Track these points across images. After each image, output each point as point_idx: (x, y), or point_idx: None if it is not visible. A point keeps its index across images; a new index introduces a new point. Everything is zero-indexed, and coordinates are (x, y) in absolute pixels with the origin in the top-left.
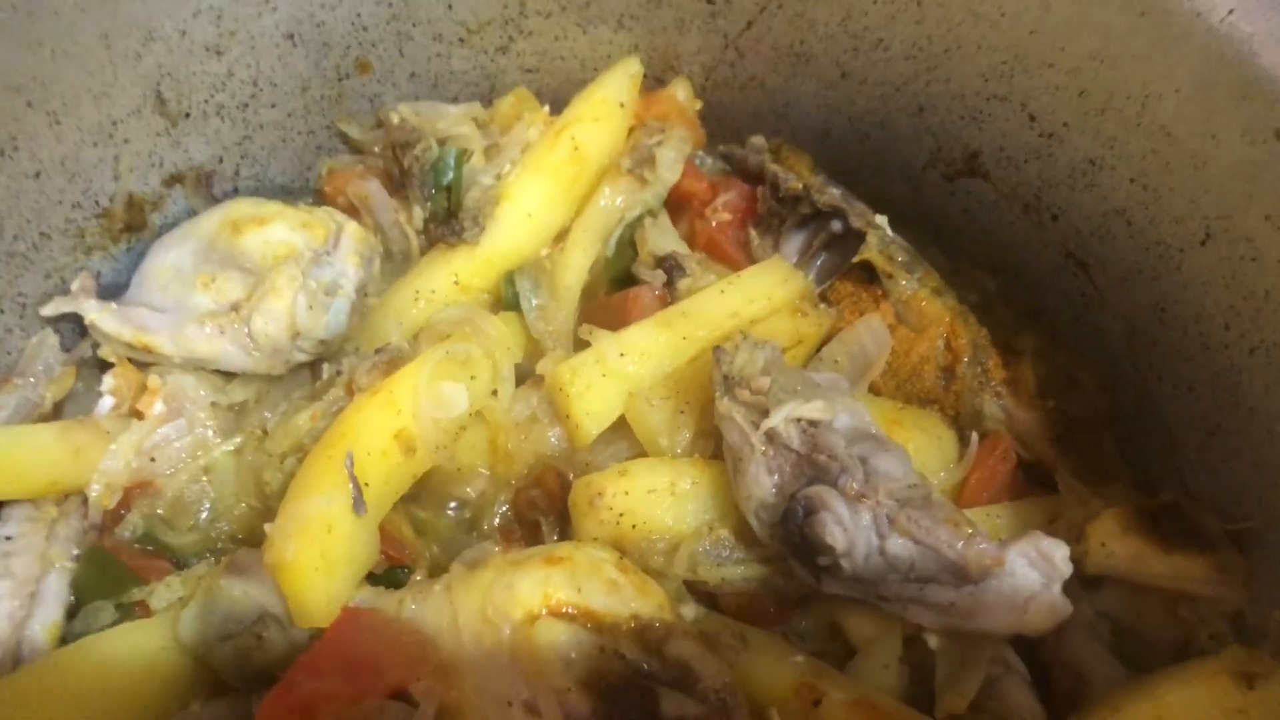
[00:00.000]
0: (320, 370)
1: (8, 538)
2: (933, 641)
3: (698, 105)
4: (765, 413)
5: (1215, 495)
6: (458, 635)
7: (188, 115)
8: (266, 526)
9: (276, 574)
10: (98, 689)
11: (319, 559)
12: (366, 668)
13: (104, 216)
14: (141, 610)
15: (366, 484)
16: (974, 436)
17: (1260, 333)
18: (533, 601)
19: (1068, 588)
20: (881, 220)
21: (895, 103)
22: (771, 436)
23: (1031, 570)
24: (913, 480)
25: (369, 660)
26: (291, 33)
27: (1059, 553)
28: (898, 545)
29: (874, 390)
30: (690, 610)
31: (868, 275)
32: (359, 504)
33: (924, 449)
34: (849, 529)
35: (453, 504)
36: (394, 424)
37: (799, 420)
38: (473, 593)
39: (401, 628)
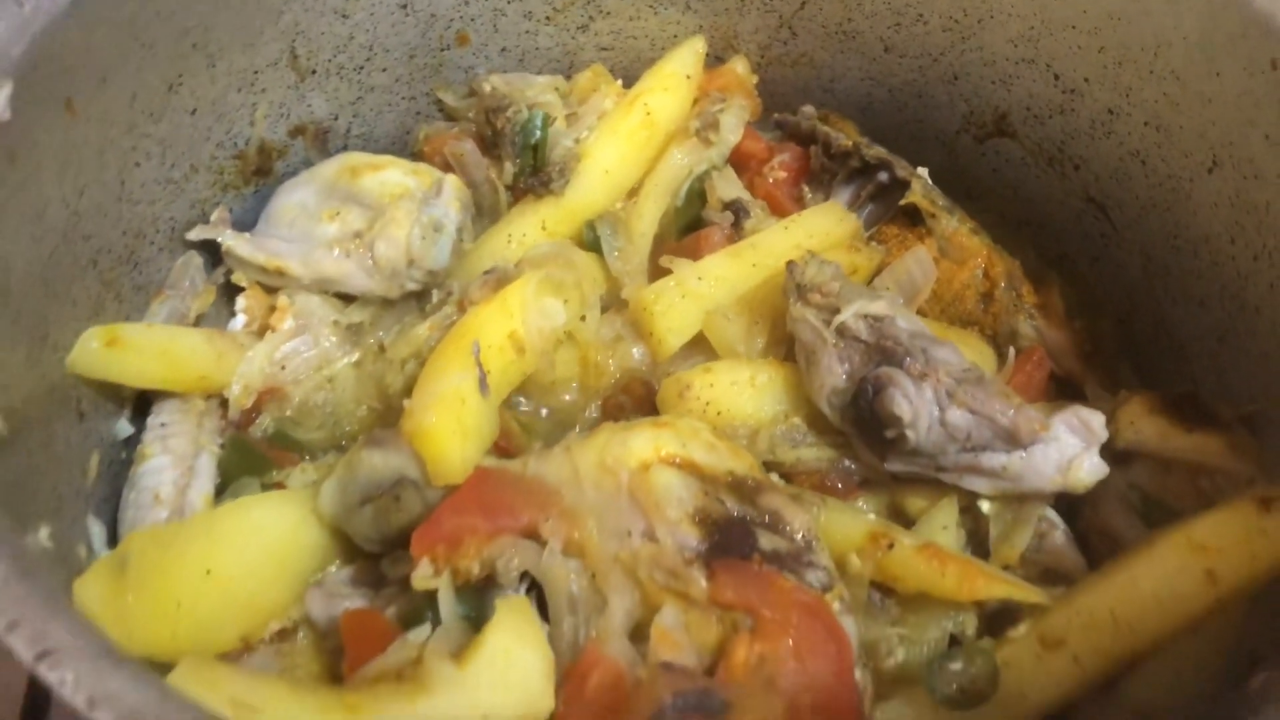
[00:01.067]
0: (426, 299)
1: (163, 424)
2: (985, 506)
3: (754, 79)
4: (835, 312)
5: (1226, 395)
6: (579, 484)
7: (314, 72)
8: (405, 402)
9: (416, 440)
10: (250, 543)
11: (455, 424)
12: (502, 508)
13: (239, 159)
14: (280, 489)
15: (489, 371)
16: (1010, 351)
17: (1262, 239)
18: (645, 452)
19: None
20: (923, 171)
21: (932, 73)
22: (842, 331)
23: (1073, 435)
24: (966, 365)
25: (505, 503)
26: (405, 3)
27: (1096, 420)
28: (956, 416)
29: (920, 314)
30: (776, 480)
31: (910, 220)
32: (484, 385)
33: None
34: (914, 401)
35: (545, 409)
36: (508, 326)
37: (866, 316)
38: (590, 450)
39: (528, 481)
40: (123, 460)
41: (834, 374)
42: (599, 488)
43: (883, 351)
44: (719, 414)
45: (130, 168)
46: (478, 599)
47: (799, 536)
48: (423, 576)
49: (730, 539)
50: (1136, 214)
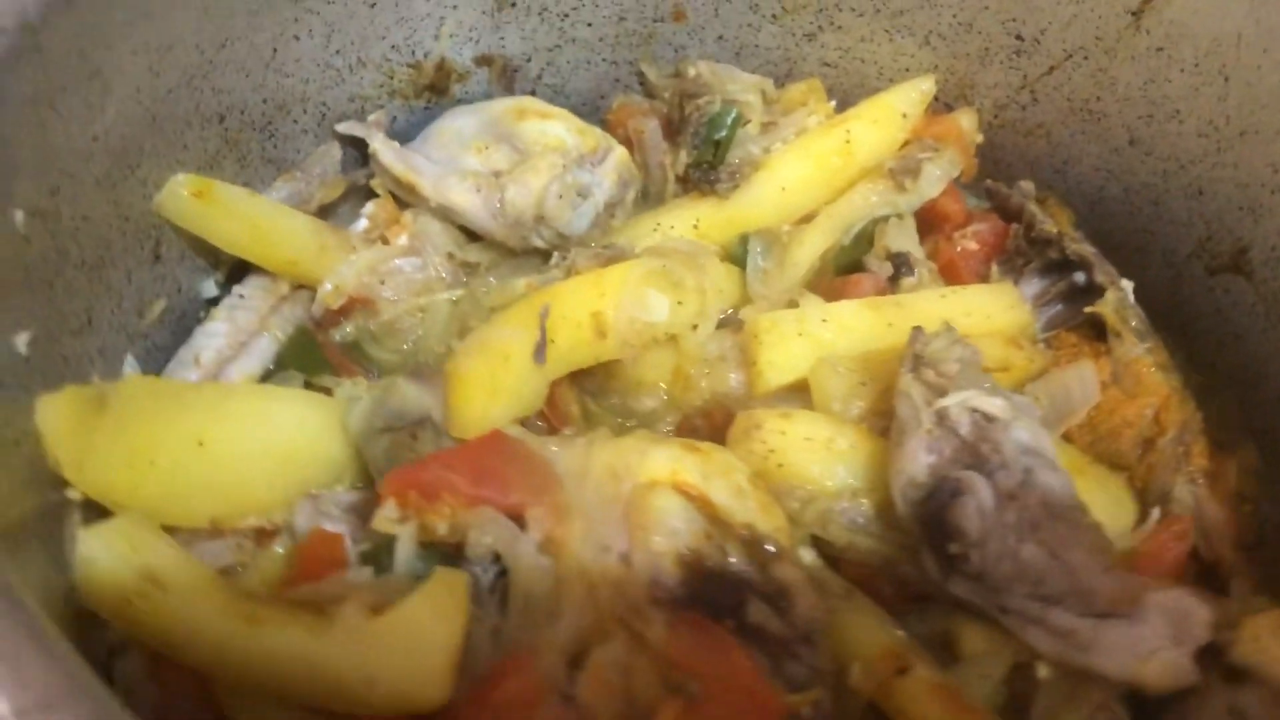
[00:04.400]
0: (550, 257)
1: (241, 295)
2: (1042, 671)
3: (979, 139)
4: (944, 394)
5: None
6: (583, 481)
7: (514, 5)
8: (455, 342)
9: (448, 382)
10: (255, 432)
11: (488, 378)
12: (495, 479)
13: (414, 69)
14: (324, 393)
15: (552, 340)
16: (1155, 512)
17: None
18: (659, 470)
19: (1208, 673)
20: (1126, 285)
21: (1176, 180)
22: (942, 416)
23: (1164, 623)
24: (1074, 504)
25: (499, 474)
26: None
27: (1200, 614)
28: (1032, 552)
29: (1066, 438)
30: (808, 555)
31: (1096, 334)
32: (540, 352)
33: (1100, 506)
34: (988, 520)
35: (619, 408)
36: (595, 303)
37: (974, 410)
38: (609, 450)
39: (537, 461)
40: (198, 319)
41: (917, 462)
42: (599, 491)
43: (975, 454)
44: (780, 465)
45: (287, 39)
46: (441, 562)
47: (798, 622)
48: (385, 518)
49: (713, 593)
50: None
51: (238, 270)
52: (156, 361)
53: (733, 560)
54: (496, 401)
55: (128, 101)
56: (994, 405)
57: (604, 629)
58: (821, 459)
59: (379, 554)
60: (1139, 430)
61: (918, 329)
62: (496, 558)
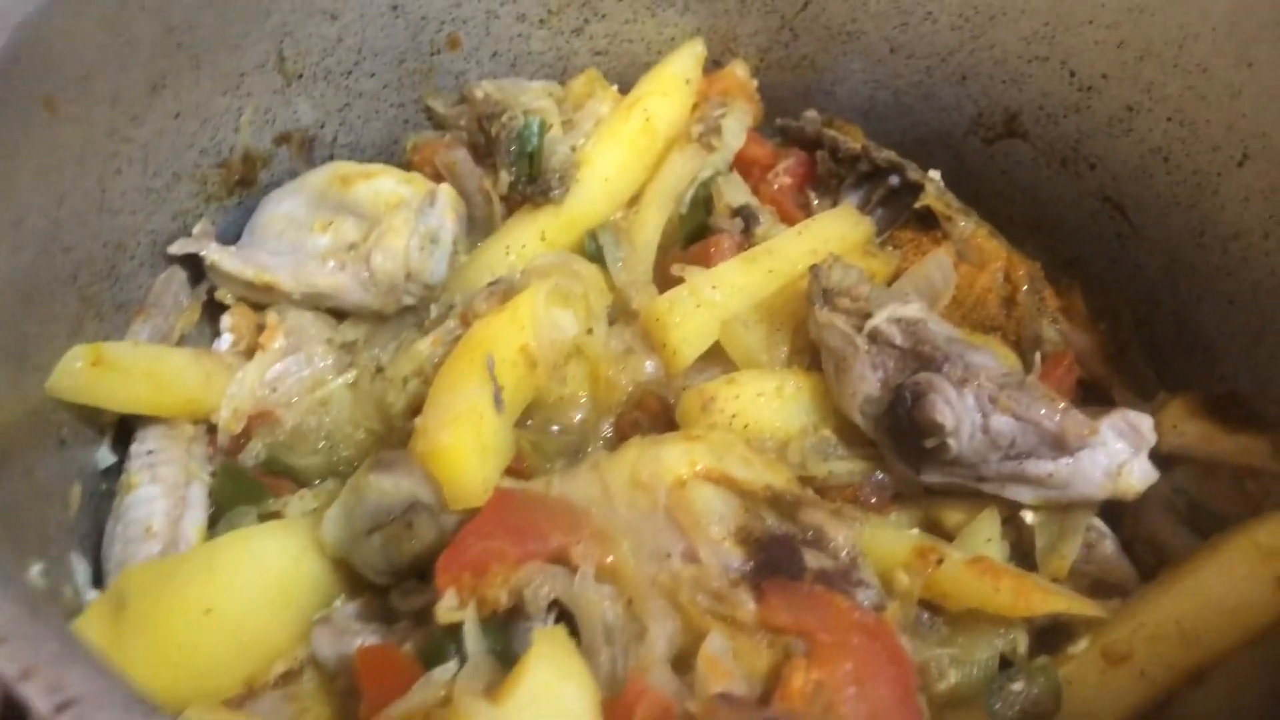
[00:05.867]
0: (423, 314)
1: (150, 451)
2: (1030, 516)
3: (755, 84)
4: (866, 317)
5: (1264, 395)
6: (610, 503)
7: (300, 76)
8: (415, 421)
9: (430, 460)
10: (251, 578)
11: (474, 442)
12: (529, 532)
13: (223, 167)
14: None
15: (503, 386)
16: (1037, 356)
17: None
18: (681, 467)
19: None
20: (934, 174)
21: (940, 73)
22: (875, 335)
23: (1121, 440)
24: (1005, 369)
25: (530, 526)
26: (396, 4)
27: (1145, 423)
28: (1000, 422)
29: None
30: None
31: (923, 225)
32: (499, 401)
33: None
34: (956, 408)
35: (555, 427)
36: (519, 338)
37: (899, 320)
38: (620, 466)
39: (554, 502)
40: (104, 492)
41: (867, 381)
42: (633, 506)
43: (919, 357)
44: (745, 427)
45: (111, 174)
46: (502, 632)
47: (844, 554)
48: (448, 608)
49: (777, 558)
50: (1158, 213)
51: (122, 432)
52: (89, 550)
53: (770, 522)
54: (488, 462)
55: (4, 291)
56: (913, 310)
57: (694, 627)
58: (778, 407)
59: (441, 647)
60: (997, 293)
61: (816, 266)
62: (551, 605)
